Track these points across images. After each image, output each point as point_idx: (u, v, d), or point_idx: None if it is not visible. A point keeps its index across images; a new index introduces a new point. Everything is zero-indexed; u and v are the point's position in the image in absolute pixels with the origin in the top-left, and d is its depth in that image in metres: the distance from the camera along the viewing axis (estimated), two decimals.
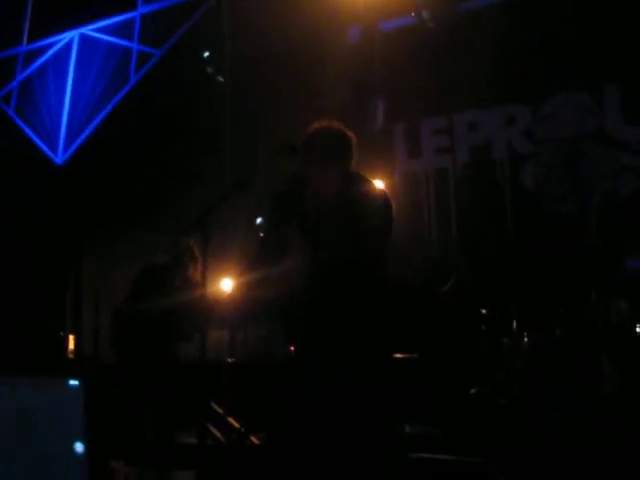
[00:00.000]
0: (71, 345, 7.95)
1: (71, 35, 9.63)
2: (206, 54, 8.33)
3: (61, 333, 8.26)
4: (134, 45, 9.23)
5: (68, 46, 9.62)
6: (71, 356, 7.92)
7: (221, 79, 8.34)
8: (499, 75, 7.24)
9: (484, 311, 5.72)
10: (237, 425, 4.85)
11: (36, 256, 8.92)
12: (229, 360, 5.19)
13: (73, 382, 2.83)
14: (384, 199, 3.71)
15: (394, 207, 3.74)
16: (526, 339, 5.32)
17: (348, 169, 3.79)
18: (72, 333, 8.29)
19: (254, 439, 4.68)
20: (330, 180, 3.73)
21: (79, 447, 2.79)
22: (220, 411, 4.93)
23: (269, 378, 4.02)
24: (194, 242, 5.73)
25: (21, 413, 2.91)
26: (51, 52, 9.70)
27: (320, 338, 3.56)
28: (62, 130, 9.46)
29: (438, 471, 4.28)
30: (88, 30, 9.52)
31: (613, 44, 6.75)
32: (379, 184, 4.61)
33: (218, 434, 4.82)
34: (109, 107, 9.23)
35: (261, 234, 4.23)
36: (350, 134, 3.88)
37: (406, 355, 5.37)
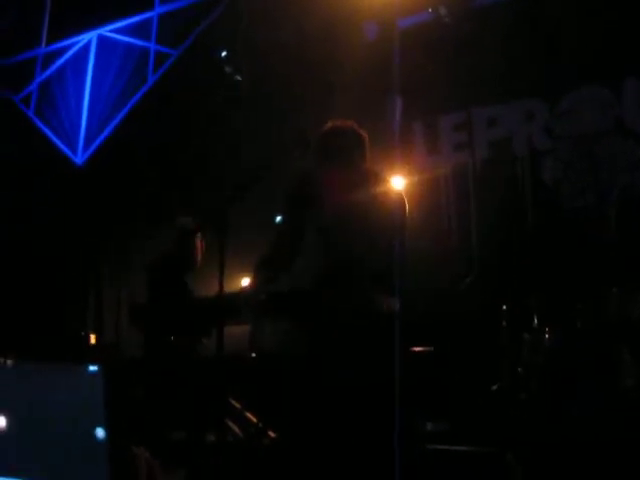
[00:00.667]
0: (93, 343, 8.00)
1: (89, 36, 9.69)
2: (224, 53, 8.33)
3: (82, 332, 8.30)
4: (152, 45, 9.26)
5: (86, 47, 9.68)
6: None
7: (239, 78, 8.35)
8: (517, 70, 7.22)
9: (504, 307, 5.70)
10: (255, 420, 4.86)
11: (56, 256, 8.98)
12: (251, 355, 5.21)
13: (93, 368, 2.87)
14: (399, 199, 3.72)
15: (412, 204, 3.74)
16: (547, 335, 5.29)
17: (362, 168, 3.80)
18: (94, 332, 8.34)
19: (272, 434, 4.69)
20: (345, 180, 3.75)
21: (100, 432, 2.82)
22: (238, 406, 4.94)
23: (288, 373, 4.03)
24: (197, 225, 5.76)
25: (42, 399, 2.95)
26: (70, 53, 9.76)
27: (339, 333, 3.58)
28: (81, 131, 9.52)
29: (454, 462, 4.26)
30: (106, 31, 9.58)
31: (632, 37, 6.71)
32: (398, 181, 4.61)
33: (237, 429, 4.84)
34: (127, 107, 9.28)
35: (279, 232, 4.25)
36: (363, 133, 3.89)
37: (424, 348, 5.37)
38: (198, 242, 6.02)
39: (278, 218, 4.50)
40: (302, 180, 3.97)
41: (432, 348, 5.50)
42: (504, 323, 5.64)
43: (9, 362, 3.22)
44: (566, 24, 7.01)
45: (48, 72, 9.83)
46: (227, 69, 8.34)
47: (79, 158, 9.53)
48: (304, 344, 3.85)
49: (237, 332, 5.16)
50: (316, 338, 3.79)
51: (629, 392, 4.73)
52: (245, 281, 5.49)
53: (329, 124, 3.91)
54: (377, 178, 3.79)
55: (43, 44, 9.86)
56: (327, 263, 3.70)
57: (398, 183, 4.77)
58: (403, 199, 3.77)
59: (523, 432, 4.59)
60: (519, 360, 5.38)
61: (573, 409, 4.75)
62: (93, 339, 7.71)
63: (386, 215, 3.58)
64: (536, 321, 5.41)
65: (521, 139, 7.43)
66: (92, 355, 7.38)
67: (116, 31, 9.52)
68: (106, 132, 9.40)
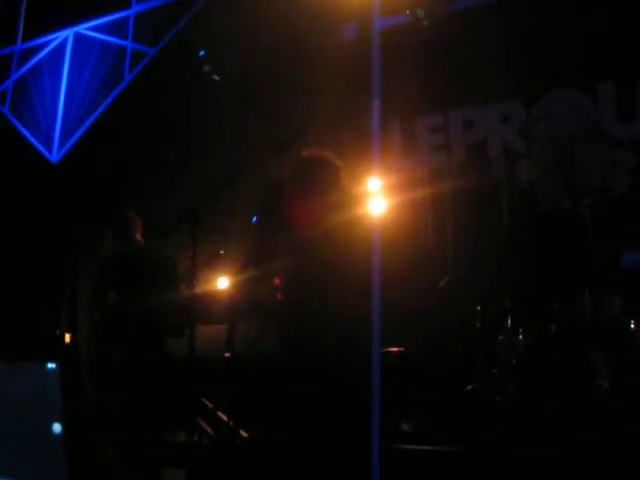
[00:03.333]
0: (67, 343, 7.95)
1: (65, 34, 9.62)
2: (202, 52, 8.31)
3: (57, 332, 8.25)
4: (128, 43, 9.22)
5: (63, 45, 9.61)
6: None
7: (217, 77, 8.33)
8: (494, 73, 7.25)
9: (479, 308, 5.73)
10: (227, 419, 4.84)
11: (31, 255, 8.91)
12: (226, 355, 5.20)
13: (51, 365, 2.88)
14: (368, 226, 3.73)
15: (388, 206, 3.74)
16: (520, 336, 5.33)
17: (335, 198, 3.82)
18: (68, 332, 8.28)
19: (244, 433, 4.68)
20: (316, 209, 3.76)
21: (57, 428, 2.84)
22: (210, 406, 4.93)
23: (264, 374, 4.03)
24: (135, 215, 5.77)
25: None
26: (46, 51, 9.69)
27: (312, 336, 3.58)
28: (57, 128, 9.45)
29: (427, 461, 4.27)
30: (82, 29, 9.52)
31: (607, 41, 6.76)
32: (375, 183, 4.63)
33: (209, 429, 4.83)
34: (103, 106, 9.23)
35: (253, 236, 4.26)
36: (339, 163, 3.91)
37: (398, 349, 5.38)
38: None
39: (254, 219, 4.50)
40: (274, 192, 3.99)
41: (406, 349, 5.52)
42: (478, 324, 5.66)
43: None
44: (543, 28, 7.05)
45: (24, 69, 9.75)
46: (205, 68, 8.32)
47: (54, 156, 9.46)
48: (279, 346, 3.86)
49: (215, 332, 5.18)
50: (292, 339, 3.79)
51: (602, 394, 4.77)
52: (222, 282, 5.49)
53: (305, 154, 3.92)
54: (347, 206, 3.81)
55: (19, 41, 9.79)
56: (299, 275, 3.71)
57: (375, 184, 4.78)
58: (372, 225, 3.79)
59: (497, 433, 4.61)
60: (494, 361, 5.41)
61: (547, 409, 4.78)
62: (67, 339, 7.66)
63: (356, 243, 3.62)
64: (510, 322, 5.44)
65: (497, 142, 7.47)
66: (50, 351, 7.34)
67: (93, 29, 9.47)
68: (82, 130, 9.34)
